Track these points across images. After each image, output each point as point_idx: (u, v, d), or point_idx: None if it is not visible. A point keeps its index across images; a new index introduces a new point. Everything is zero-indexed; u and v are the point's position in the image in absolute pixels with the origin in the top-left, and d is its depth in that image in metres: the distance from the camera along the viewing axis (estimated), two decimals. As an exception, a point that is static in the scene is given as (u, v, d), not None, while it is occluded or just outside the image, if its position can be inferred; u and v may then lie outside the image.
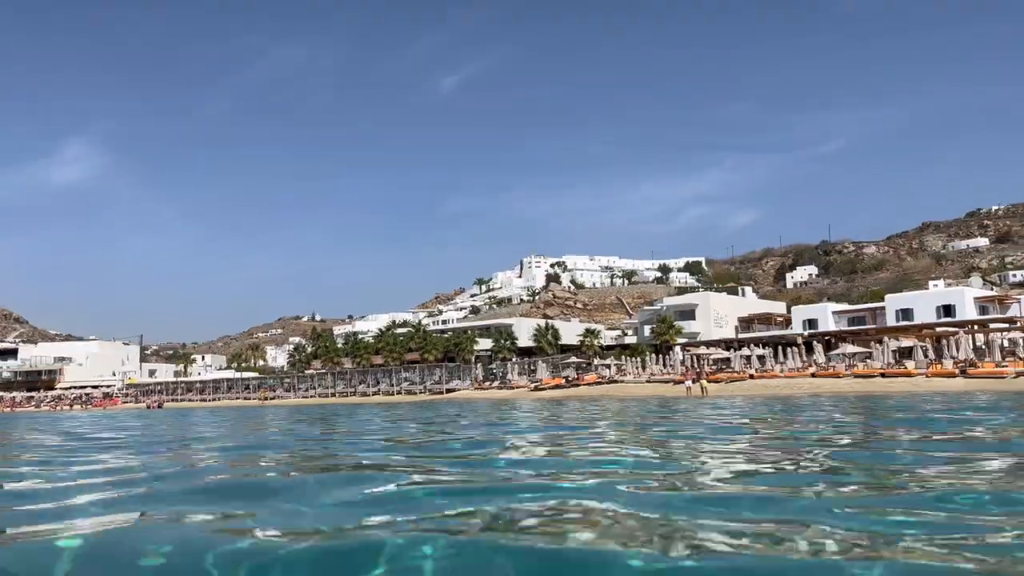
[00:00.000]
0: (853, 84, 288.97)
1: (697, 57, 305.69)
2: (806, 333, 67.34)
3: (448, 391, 72.06)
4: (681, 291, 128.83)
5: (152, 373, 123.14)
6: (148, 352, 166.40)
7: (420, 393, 74.09)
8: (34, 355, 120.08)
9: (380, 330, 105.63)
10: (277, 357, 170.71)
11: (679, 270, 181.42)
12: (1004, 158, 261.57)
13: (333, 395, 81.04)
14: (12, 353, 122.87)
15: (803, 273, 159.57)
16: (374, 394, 77.61)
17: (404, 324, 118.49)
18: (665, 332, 73.45)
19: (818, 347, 59.86)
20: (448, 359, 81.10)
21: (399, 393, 76.06)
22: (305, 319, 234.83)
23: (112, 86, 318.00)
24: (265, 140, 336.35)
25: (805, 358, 58.62)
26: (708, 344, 69.40)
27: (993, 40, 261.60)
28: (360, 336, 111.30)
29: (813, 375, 52.55)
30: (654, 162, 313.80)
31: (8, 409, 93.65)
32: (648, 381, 59.71)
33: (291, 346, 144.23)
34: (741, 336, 72.01)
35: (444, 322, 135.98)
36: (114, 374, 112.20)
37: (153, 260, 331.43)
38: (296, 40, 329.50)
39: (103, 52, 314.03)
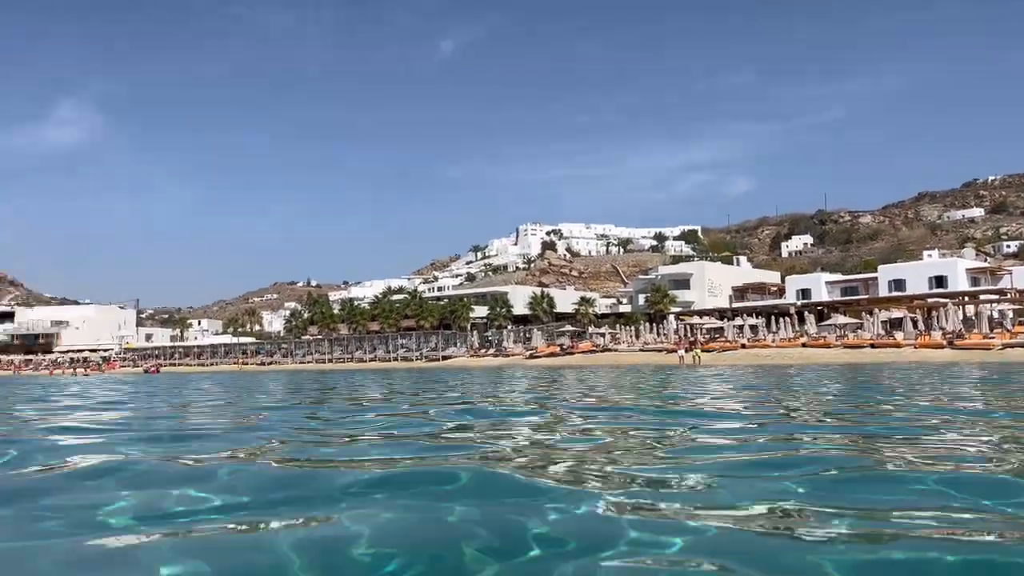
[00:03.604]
0: (851, 54, 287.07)
1: (695, 25, 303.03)
2: (799, 303, 67.91)
3: (444, 358, 72.77)
4: (676, 260, 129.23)
5: (149, 337, 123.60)
6: (144, 316, 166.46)
7: (416, 360, 74.79)
8: (30, 319, 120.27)
9: (376, 296, 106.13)
10: (273, 322, 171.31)
11: (675, 239, 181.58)
12: (1001, 129, 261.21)
13: (330, 361, 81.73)
14: (8, 316, 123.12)
15: (798, 242, 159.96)
16: (371, 360, 78.29)
17: (400, 291, 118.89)
18: (659, 301, 73.93)
19: (810, 317, 60.49)
20: (444, 326, 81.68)
21: (395, 360, 76.76)
22: (300, 284, 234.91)
23: (105, 48, 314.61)
24: (260, 105, 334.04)
25: (797, 328, 59.27)
26: (702, 313, 70.06)
27: (992, 15, 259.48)
28: (356, 302, 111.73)
29: (804, 345, 53.23)
30: (652, 130, 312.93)
31: (12, 372, 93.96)
32: (641, 350, 60.38)
33: (287, 312, 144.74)
34: (735, 306, 72.60)
35: (440, 289, 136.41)
36: (111, 338, 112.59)
37: (148, 224, 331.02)
38: (288, 6, 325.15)
39: (96, 15, 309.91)
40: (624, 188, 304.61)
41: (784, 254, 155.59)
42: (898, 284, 67.92)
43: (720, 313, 69.00)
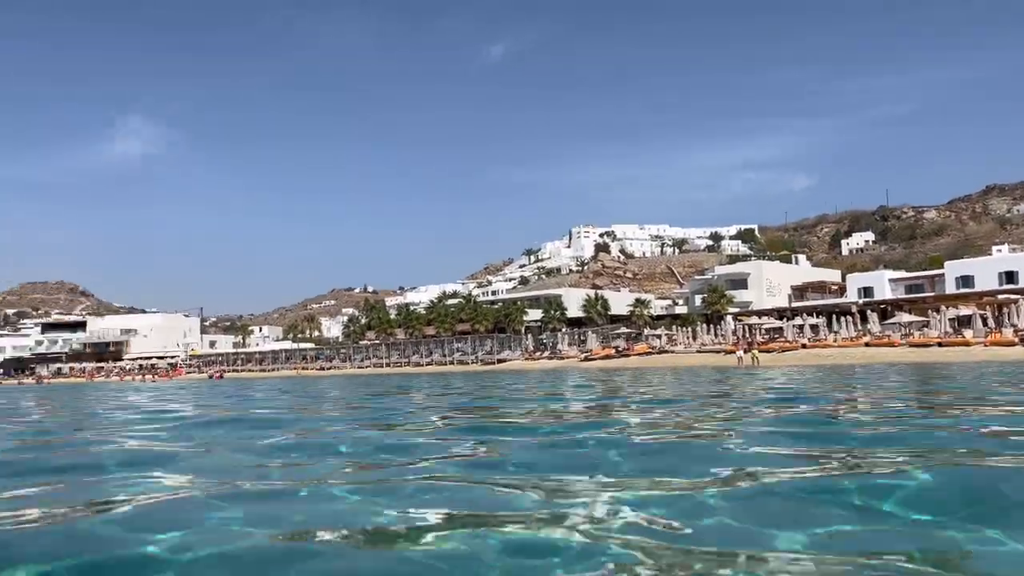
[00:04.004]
0: (912, 46, 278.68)
1: (746, 21, 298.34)
2: (861, 302, 66.28)
3: (499, 361, 73.05)
4: (733, 259, 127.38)
5: (212, 344, 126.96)
6: (208, 324, 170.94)
7: (472, 363, 75.23)
8: (101, 327, 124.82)
9: (431, 301, 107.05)
10: (331, 328, 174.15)
11: (731, 238, 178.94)
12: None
13: (387, 365, 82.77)
14: (81, 326, 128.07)
15: (859, 240, 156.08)
16: (427, 364, 79.05)
17: (454, 295, 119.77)
18: (716, 301, 72.93)
19: (873, 316, 58.97)
20: (498, 329, 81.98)
21: (451, 363, 77.33)
22: (357, 291, 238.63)
23: (165, 62, 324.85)
24: (312, 113, 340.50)
25: (859, 327, 57.83)
26: (760, 313, 68.89)
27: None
28: (412, 307, 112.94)
29: (867, 344, 51.91)
30: (705, 128, 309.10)
31: (86, 379, 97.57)
32: (699, 351, 59.67)
33: (345, 317, 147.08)
34: (794, 305, 71.18)
35: (494, 293, 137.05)
36: (177, 345, 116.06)
37: (210, 233, 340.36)
38: (339, 14, 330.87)
39: (156, 30, 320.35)
40: (678, 188, 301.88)
41: (844, 252, 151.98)
42: (966, 280, 65.71)
43: (779, 313, 67.72)
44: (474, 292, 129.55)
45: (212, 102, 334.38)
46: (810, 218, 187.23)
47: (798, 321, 60.85)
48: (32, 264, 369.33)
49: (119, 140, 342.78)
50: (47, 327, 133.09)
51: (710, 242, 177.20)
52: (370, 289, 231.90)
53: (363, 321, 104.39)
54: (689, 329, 67.20)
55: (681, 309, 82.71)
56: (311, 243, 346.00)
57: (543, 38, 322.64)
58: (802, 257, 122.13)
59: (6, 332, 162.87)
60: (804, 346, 54.83)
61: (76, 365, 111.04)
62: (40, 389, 57.71)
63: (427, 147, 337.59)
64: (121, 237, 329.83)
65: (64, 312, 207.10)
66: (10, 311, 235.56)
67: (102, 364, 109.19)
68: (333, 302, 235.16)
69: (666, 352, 61.28)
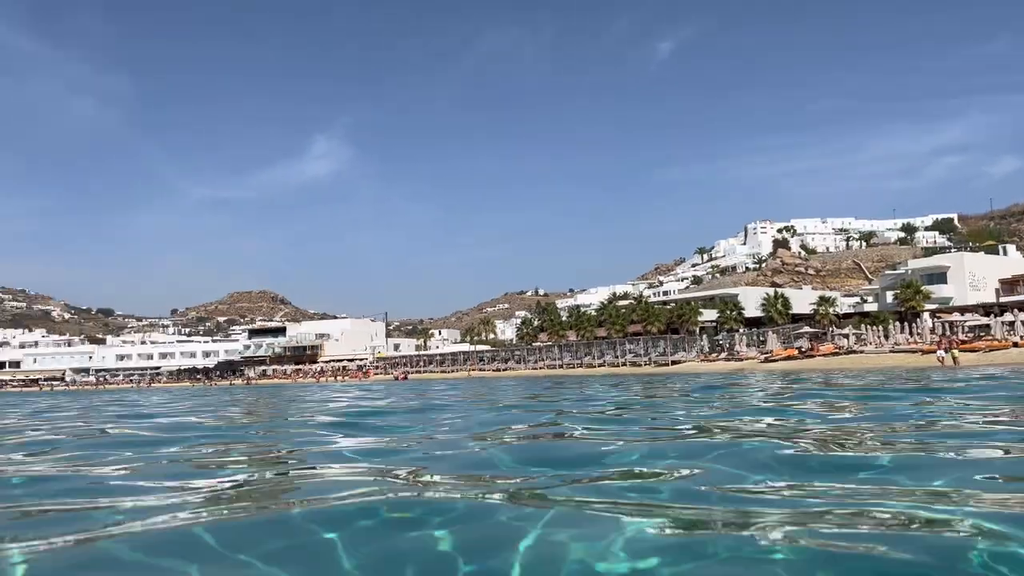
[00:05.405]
0: None
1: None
2: (1086, 295, 59.11)
3: (673, 363, 71.83)
4: (929, 252, 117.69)
5: (396, 347, 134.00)
6: (391, 328, 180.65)
7: (645, 365, 74.47)
8: (299, 332, 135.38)
9: (602, 303, 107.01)
10: (505, 330, 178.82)
11: (926, 229, 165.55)
12: None
13: (560, 367, 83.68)
14: (282, 331, 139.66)
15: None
16: (599, 366, 79.13)
17: (625, 296, 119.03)
18: (911, 298, 67.71)
19: (1102, 310, 52.41)
20: (671, 330, 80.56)
21: (624, 365, 76.95)
22: (529, 294, 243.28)
23: (349, 85, 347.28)
24: (483, 124, 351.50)
25: (1086, 323, 51.60)
26: (963, 310, 63.23)
27: None
28: (583, 309, 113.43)
29: (1096, 342, 46.26)
30: (892, 113, 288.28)
31: (291, 380, 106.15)
32: (892, 351, 55.64)
33: (518, 320, 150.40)
34: (1003, 300, 64.74)
35: (665, 293, 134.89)
36: (365, 348, 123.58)
37: (392, 243, 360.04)
38: (506, 26, 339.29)
39: (338, 54, 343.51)
40: (864, 177, 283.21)
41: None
42: None
43: (985, 309, 61.78)
44: (645, 293, 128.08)
45: (392, 120, 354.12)
46: (1020, 204, 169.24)
47: (1008, 317, 55.19)
48: (238, 275, 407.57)
49: (311, 159, 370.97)
50: (253, 332, 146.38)
51: (902, 234, 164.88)
52: (541, 292, 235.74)
53: (536, 323, 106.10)
54: (880, 328, 62.80)
55: (870, 307, 77.56)
56: (485, 249, 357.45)
57: (711, 30, 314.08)
58: (1011, 247, 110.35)
59: (219, 338, 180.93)
60: (1016, 344, 49.70)
61: (278, 367, 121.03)
62: (262, 390, 62.87)
63: (596, 149, 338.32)
64: (313, 248, 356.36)
65: (267, 319, 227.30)
66: (222, 319, 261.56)
67: (299, 367, 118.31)
68: (506, 305, 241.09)
69: (855, 352, 57.65)
